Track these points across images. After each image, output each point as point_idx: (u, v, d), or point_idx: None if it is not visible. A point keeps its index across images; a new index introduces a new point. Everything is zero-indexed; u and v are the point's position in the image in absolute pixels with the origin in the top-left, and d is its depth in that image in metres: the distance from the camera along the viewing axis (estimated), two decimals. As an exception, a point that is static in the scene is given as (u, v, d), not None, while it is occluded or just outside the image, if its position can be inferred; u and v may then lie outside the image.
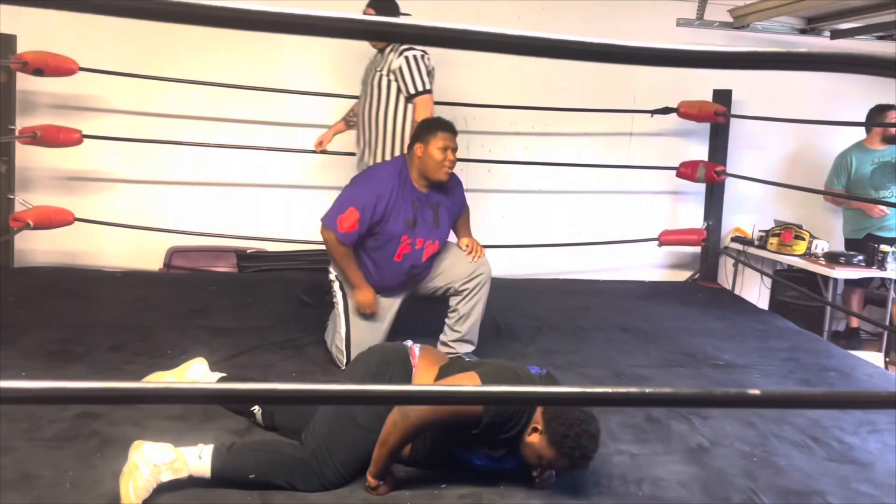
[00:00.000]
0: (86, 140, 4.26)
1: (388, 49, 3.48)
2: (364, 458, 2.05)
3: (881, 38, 4.82)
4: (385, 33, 0.80)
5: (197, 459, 1.99)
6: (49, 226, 4.15)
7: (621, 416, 2.70)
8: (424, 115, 3.36)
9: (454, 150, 3.00)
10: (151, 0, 0.69)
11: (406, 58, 3.40)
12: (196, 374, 2.54)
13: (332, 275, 3.09)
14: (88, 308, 3.60)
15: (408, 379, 2.20)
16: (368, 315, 3.02)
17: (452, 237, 3.31)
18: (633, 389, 0.85)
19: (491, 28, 0.74)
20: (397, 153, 3.44)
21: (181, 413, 2.48)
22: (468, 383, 2.07)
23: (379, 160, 3.46)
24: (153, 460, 1.92)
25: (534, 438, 2.02)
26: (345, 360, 2.99)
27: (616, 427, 2.60)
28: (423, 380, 2.21)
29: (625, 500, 2.12)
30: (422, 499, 2.06)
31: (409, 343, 2.32)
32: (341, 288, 3.06)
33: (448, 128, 3.01)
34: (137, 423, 2.33)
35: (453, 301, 3.15)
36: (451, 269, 3.15)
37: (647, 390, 0.84)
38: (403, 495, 2.07)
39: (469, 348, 3.17)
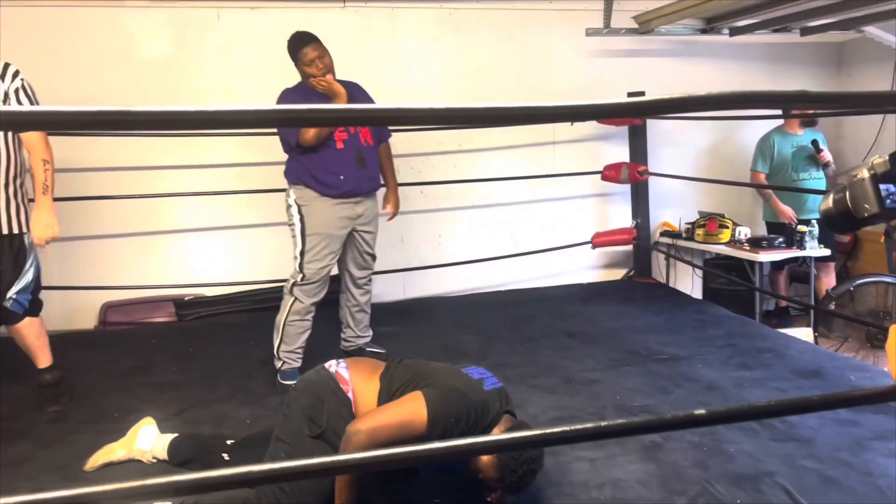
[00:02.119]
0: (3, 203, 4.11)
1: None
2: (325, 495, 2.05)
3: (776, 30, 5.09)
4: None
5: None
6: (-28, 296, 3.96)
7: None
8: (45, 154, 2.88)
9: (321, 57, 3.22)
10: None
11: (23, 82, 2.86)
12: (146, 440, 2.48)
13: (291, 199, 3.34)
14: (25, 378, 3.46)
15: (348, 411, 2.13)
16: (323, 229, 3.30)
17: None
18: (589, 426, 0.91)
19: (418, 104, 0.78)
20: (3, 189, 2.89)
21: (139, 469, 2.43)
22: (413, 406, 2.02)
23: None
24: None
25: (485, 456, 2.04)
26: (300, 276, 3.28)
27: (572, 434, 2.66)
28: (366, 402, 2.15)
29: (588, 506, 2.18)
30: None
31: (332, 368, 2.24)
32: (299, 211, 3.31)
33: (300, 44, 3.22)
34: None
35: (354, 304, 3.55)
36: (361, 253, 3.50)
37: (603, 424, 0.90)
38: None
39: (370, 332, 3.67)
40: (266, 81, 4.59)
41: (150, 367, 3.61)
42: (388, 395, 2.18)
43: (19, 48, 4.31)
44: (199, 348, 3.89)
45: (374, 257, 3.56)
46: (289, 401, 2.23)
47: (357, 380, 2.20)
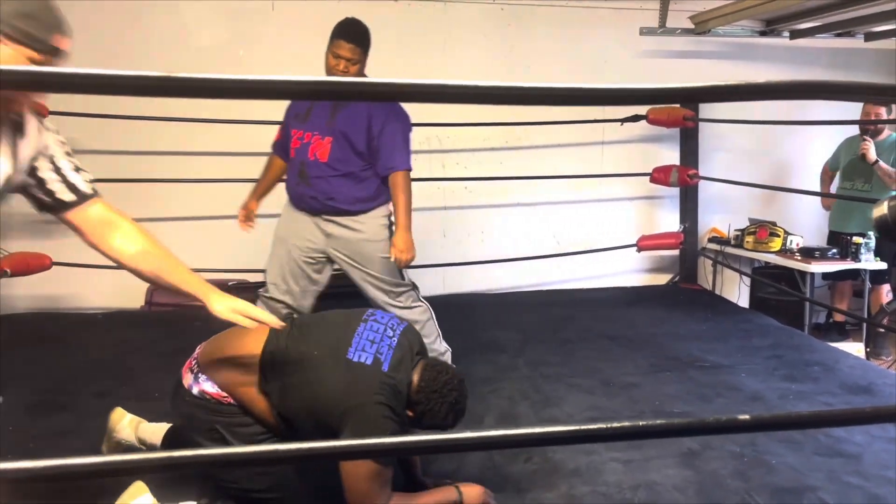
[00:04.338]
0: (59, 183, 4.23)
1: None
2: None
3: (839, 34, 4.93)
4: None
5: None
6: (27, 272, 4.10)
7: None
8: None
9: (347, 60, 2.85)
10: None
11: None
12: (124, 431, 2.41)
13: None
14: (71, 353, 3.57)
15: (243, 416, 2.00)
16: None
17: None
18: (626, 424, 0.88)
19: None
20: None
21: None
22: (364, 471, 1.88)
23: None
24: None
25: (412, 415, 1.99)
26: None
27: (608, 436, 2.62)
28: (257, 407, 2.00)
29: (622, 509, 2.14)
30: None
31: (193, 387, 2.07)
32: None
33: (339, 34, 2.86)
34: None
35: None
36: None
37: (641, 423, 0.88)
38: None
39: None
40: (319, 72, 4.62)
41: (193, 350, 3.65)
42: (283, 419, 1.99)
43: (76, 35, 4.43)
44: (240, 333, 3.93)
45: (385, 281, 2.97)
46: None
47: (232, 389, 2.03)
